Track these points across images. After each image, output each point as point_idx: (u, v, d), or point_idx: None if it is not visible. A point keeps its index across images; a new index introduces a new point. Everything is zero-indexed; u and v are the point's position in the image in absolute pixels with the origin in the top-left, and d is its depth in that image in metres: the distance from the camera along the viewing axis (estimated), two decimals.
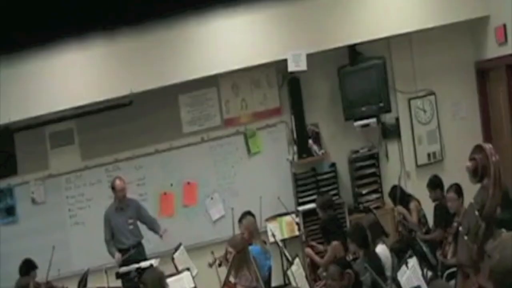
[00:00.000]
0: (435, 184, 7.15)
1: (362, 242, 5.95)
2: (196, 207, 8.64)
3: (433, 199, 7.17)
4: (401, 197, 7.50)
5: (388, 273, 5.87)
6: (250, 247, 6.49)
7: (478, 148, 2.95)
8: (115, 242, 7.88)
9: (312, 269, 6.73)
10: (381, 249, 6.14)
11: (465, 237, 2.91)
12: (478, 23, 8.03)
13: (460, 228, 3.06)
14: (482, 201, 2.89)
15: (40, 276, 7.17)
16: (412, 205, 7.43)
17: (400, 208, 7.52)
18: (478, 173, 2.95)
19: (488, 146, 2.88)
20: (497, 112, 8.33)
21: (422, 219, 7.43)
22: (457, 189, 6.49)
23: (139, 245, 7.96)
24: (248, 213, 7.22)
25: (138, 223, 8.04)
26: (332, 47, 7.90)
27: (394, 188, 7.55)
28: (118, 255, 7.71)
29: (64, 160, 8.51)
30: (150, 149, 8.57)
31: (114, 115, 8.21)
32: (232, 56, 7.84)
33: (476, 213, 2.90)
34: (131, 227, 7.91)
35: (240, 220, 7.11)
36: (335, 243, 6.82)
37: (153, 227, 8.04)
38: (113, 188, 7.89)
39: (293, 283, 6.05)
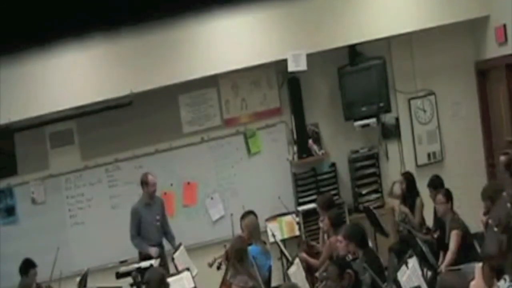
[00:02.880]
0: (436, 184, 7.14)
1: (361, 242, 5.95)
2: (196, 207, 8.63)
3: (434, 199, 7.16)
4: (411, 189, 7.51)
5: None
6: (251, 247, 6.49)
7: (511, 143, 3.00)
8: (142, 238, 7.78)
9: (308, 273, 6.71)
10: None
11: (495, 229, 2.94)
12: (478, 23, 8.04)
13: (490, 221, 3.08)
14: None
15: (43, 276, 7.17)
16: (418, 201, 7.44)
17: (402, 207, 7.51)
18: (511, 166, 3.02)
19: None
20: (497, 112, 8.33)
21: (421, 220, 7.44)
22: (446, 193, 6.49)
23: (160, 245, 7.89)
24: (250, 212, 7.22)
25: None
26: (332, 47, 7.91)
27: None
28: (155, 249, 7.60)
29: (64, 160, 8.51)
30: (150, 149, 8.57)
31: (114, 115, 8.21)
32: (232, 56, 7.84)
33: (509, 205, 2.94)
34: (158, 223, 7.83)
35: (241, 219, 7.10)
36: (330, 240, 6.81)
37: (168, 231, 7.97)
38: (145, 183, 7.76)
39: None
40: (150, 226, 7.80)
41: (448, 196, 6.44)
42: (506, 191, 2.98)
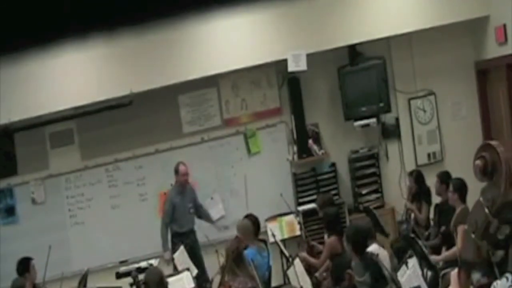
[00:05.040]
0: (444, 178, 7.06)
1: (358, 247, 5.89)
2: None
3: (437, 190, 7.11)
4: (421, 186, 7.47)
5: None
6: (246, 251, 6.45)
7: (485, 146, 2.96)
8: (174, 225, 8.01)
9: (308, 273, 6.70)
10: (374, 249, 6.10)
11: (472, 235, 2.91)
12: (478, 23, 8.03)
13: (466, 227, 3.05)
14: (493, 198, 2.89)
15: (42, 275, 7.17)
16: (424, 204, 7.40)
17: (408, 203, 7.46)
18: (488, 170, 2.96)
19: (495, 143, 2.88)
20: (497, 112, 8.33)
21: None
22: (454, 183, 6.46)
23: (192, 232, 8.14)
24: (248, 216, 7.21)
25: None
26: (332, 47, 7.91)
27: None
28: (168, 254, 7.80)
29: (64, 160, 8.51)
30: (150, 149, 8.57)
31: (114, 115, 8.20)
32: (232, 56, 7.85)
33: (486, 210, 2.90)
34: (191, 211, 8.12)
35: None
36: (331, 239, 6.79)
37: (205, 214, 8.33)
38: (176, 172, 8.05)
39: (293, 283, 6.04)
40: (183, 214, 8.06)
41: (456, 187, 6.40)
42: (483, 196, 2.93)
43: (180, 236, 7.93)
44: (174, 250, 7.54)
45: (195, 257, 7.71)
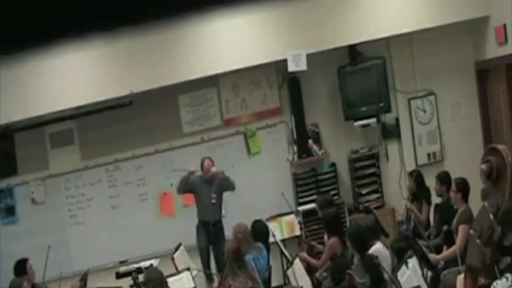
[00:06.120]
0: (444, 178, 7.06)
1: (360, 247, 5.90)
2: None
3: (437, 192, 7.11)
4: (421, 186, 7.45)
5: (388, 269, 5.82)
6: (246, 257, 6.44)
7: (491, 150, 2.92)
8: (198, 213, 8.00)
9: (308, 273, 6.70)
10: (379, 247, 6.10)
11: (477, 241, 2.89)
12: (478, 23, 8.03)
13: (471, 231, 3.04)
14: (497, 204, 2.86)
15: (41, 276, 7.16)
16: (425, 204, 7.39)
17: (409, 204, 7.47)
18: (492, 175, 2.92)
19: (502, 147, 2.85)
20: (497, 112, 8.33)
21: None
22: (457, 182, 6.45)
23: (219, 223, 8.03)
24: (257, 222, 7.21)
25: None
26: (332, 47, 7.91)
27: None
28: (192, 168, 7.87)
29: (64, 160, 8.51)
30: (150, 149, 8.57)
31: (114, 115, 8.21)
32: (232, 56, 7.85)
33: (491, 216, 2.87)
34: (213, 201, 7.95)
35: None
36: (332, 240, 6.80)
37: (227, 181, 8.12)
38: (201, 166, 7.97)
39: (293, 283, 6.05)
40: (206, 203, 7.93)
41: (460, 187, 6.40)
42: (487, 201, 2.91)
43: (204, 225, 7.95)
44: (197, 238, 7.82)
45: (217, 246, 7.81)
